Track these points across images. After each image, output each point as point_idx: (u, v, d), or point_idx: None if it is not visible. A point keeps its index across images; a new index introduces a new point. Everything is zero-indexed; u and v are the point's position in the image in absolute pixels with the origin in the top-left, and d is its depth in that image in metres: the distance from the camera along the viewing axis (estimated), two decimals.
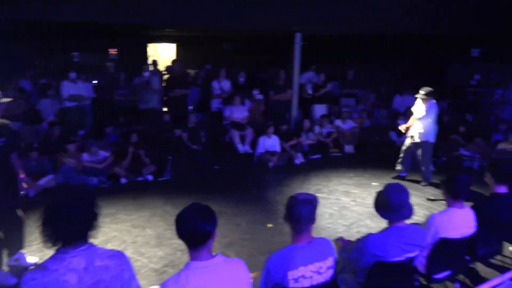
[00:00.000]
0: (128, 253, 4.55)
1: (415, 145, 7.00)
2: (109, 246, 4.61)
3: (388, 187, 2.84)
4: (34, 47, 11.21)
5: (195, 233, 2.13)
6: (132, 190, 6.68)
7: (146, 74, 8.88)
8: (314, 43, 11.62)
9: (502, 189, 3.56)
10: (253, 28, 9.03)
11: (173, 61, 9.81)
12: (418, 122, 6.83)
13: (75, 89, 8.43)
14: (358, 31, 10.21)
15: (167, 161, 7.40)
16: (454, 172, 3.36)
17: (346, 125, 9.45)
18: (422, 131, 6.80)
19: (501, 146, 8.08)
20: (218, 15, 8.44)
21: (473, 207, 3.39)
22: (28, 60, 10.99)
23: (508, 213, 3.49)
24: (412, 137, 6.96)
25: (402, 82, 11.85)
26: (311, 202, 2.46)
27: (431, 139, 6.83)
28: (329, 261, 2.49)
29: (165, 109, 9.73)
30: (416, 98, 6.83)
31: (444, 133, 9.24)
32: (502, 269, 4.15)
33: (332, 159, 8.80)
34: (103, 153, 7.09)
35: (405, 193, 2.80)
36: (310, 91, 10.20)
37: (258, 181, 7.39)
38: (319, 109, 9.75)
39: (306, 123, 9.04)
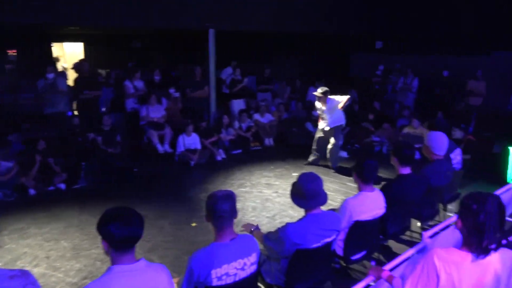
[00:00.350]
0: (41, 269, 4.22)
1: (325, 133, 7.51)
2: (19, 265, 4.23)
3: (301, 177, 2.94)
4: None
5: (130, 237, 2.04)
6: (43, 201, 6.20)
7: (51, 75, 8.24)
8: (231, 39, 11.71)
9: (406, 171, 3.86)
10: (165, 26, 8.80)
11: (81, 61, 9.24)
12: (323, 116, 7.42)
13: None
14: (271, 29, 10.44)
15: (81, 167, 6.98)
16: (363, 158, 3.55)
17: (264, 118, 9.63)
18: (328, 121, 7.37)
19: (406, 130, 8.76)
20: (126, 13, 8.13)
21: (381, 189, 3.63)
22: None
23: (411, 191, 3.79)
24: (322, 129, 7.50)
25: (314, 75, 12.36)
26: (231, 197, 2.47)
27: (338, 123, 7.38)
28: (253, 257, 2.51)
29: (75, 112, 9.17)
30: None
31: (355, 121, 9.83)
32: (411, 244, 4.51)
33: (253, 153, 8.92)
34: (6, 164, 6.48)
35: (318, 181, 2.91)
36: (226, 88, 10.24)
37: (180, 181, 7.27)
38: (237, 105, 9.82)
39: (225, 119, 9.05)
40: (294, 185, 2.96)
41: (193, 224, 5.32)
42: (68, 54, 15.50)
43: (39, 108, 8.57)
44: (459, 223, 2.02)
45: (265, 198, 6.20)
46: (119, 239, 2.06)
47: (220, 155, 8.40)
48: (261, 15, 9.73)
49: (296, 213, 5.55)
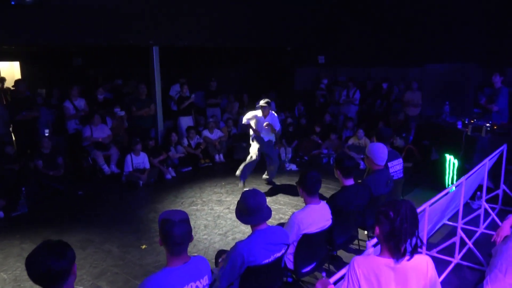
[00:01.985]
0: None
1: (263, 145, 7.41)
2: None
3: (243, 194, 3.01)
4: None
5: (49, 273, 1.97)
6: None
7: None
8: (176, 55, 11.69)
9: (349, 182, 4.05)
10: (106, 43, 8.66)
11: (17, 81, 8.85)
12: (263, 130, 7.28)
13: None
14: (212, 44, 10.61)
15: (21, 192, 6.65)
16: (305, 170, 3.69)
17: (213, 134, 9.67)
18: (267, 136, 7.33)
19: (351, 141, 9.14)
20: (65, 29, 7.94)
21: (327, 201, 3.78)
22: None
23: (355, 201, 3.98)
24: (261, 142, 7.34)
25: (261, 89, 12.60)
26: (187, 221, 2.45)
27: (272, 137, 7.44)
28: (205, 280, 2.50)
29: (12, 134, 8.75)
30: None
31: (303, 134, 10.11)
32: (360, 252, 4.70)
33: (204, 170, 8.93)
34: None
35: (260, 196, 2.99)
36: (174, 105, 10.19)
37: (128, 202, 7.12)
38: (185, 121, 9.79)
39: (174, 137, 9.00)
40: (238, 203, 3.03)
41: (143, 247, 5.22)
42: (3, 72, 14.76)
43: None
44: (377, 230, 2.15)
45: (217, 215, 6.21)
46: (34, 279, 2.02)
47: (170, 174, 8.32)
48: (199, 30, 9.86)
49: (247, 229, 5.60)
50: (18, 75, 14.10)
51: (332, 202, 3.82)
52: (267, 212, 3.00)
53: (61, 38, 8.12)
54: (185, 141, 9.21)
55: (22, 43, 8.98)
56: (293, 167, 8.87)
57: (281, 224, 3.82)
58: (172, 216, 2.44)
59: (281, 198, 6.91)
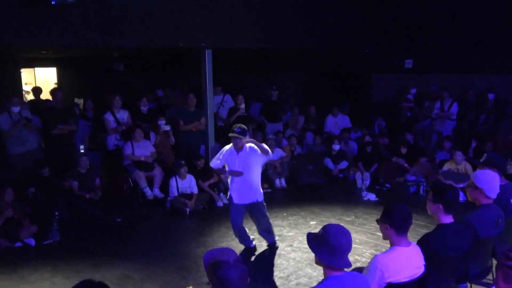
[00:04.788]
0: None
1: (246, 207, 6.21)
2: None
3: (330, 228, 2.92)
4: None
5: None
6: (8, 260, 6.20)
7: (16, 109, 8.41)
8: (230, 59, 11.96)
9: (448, 219, 3.86)
10: (151, 46, 9.08)
11: (53, 90, 9.47)
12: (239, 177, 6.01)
13: None
14: (273, 46, 10.75)
15: (53, 218, 7.02)
16: (391, 203, 3.57)
17: (274, 154, 9.65)
18: (251, 188, 6.04)
19: (446, 166, 8.78)
20: (106, 31, 8.41)
21: (418, 243, 3.63)
22: None
23: (454, 245, 3.77)
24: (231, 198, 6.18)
25: (329, 101, 12.47)
26: (241, 261, 2.46)
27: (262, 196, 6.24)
28: None
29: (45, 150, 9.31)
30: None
31: (384, 157, 9.88)
32: None
33: None
34: None
35: (349, 236, 2.92)
36: (223, 117, 10.36)
37: (173, 233, 7.28)
38: None
39: None
40: (319, 236, 2.95)
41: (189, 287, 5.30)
42: (39, 80, 15.90)
43: (2, 147, 8.70)
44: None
45: (277, 254, 6.18)
46: None
47: (221, 200, 8.43)
48: (258, 30, 10.03)
49: (315, 272, 5.52)
50: (48, 84, 15.12)
51: (424, 244, 3.65)
52: (348, 260, 2.92)
53: (102, 40, 8.62)
54: None
55: (61, 45, 9.64)
56: (371, 196, 8.67)
57: (359, 269, 3.72)
58: (223, 257, 2.46)
59: (356, 235, 6.75)
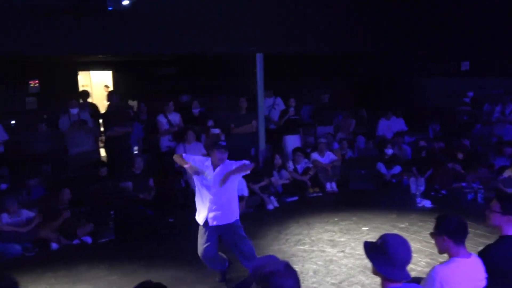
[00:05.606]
0: None
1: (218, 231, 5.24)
2: None
3: (389, 237, 2.86)
4: None
5: None
6: (65, 257, 6.45)
7: (74, 111, 8.74)
8: (280, 63, 11.97)
9: None
10: (204, 51, 9.26)
11: (110, 92, 9.79)
12: (208, 196, 5.14)
13: None
14: (325, 51, 10.69)
15: (109, 217, 7.25)
16: (442, 214, 3.46)
17: (325, 158, 9.62)
18: (220, 210, 5.14)
19: (507, 173, 8.44)
20: (161, 38, 8.62)
21: (479, 255, 3.49)
22: None
23: None
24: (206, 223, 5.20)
25: (380, 103, 12.25)
26: (292, 267, 2.44)
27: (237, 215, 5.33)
28: None
29: (102, 151, 9.62)
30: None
31: (440, 161, 9.60)
32: None
33: (312, 201, 8.89)
34: (27, 213, 6.87)
35: (409, 247, 2.86)
36: (275, 120, 10.38)
37: None
38: (291, 141, 9.91)
39: (278, 159, 9.13)
40: (378, 246, 2.89)
41: None
42: (95, 83, 16.43)
43: (61, 148, 9.07)
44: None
45: (329, 259, 6.11)
46: None
47: (272, 203, 8.44)
48: (312, 35, 10.00)
49: (368, 280, 5.42)
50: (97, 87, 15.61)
51: (487, 256, 3.51)
52: (407, 272, 2.86)
53: (156, 46, 8.85)
54: (291, 165, 9.30)
55: (117, 52, 9.97)
56: (426, 203, 8.42)
57: (415, 280, 3.61)
58: (272, 266, 2.43)
59: (411, 243, 6.44)
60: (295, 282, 2.38)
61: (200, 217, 5.26)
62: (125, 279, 5.54)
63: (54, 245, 6.77)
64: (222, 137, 9.47)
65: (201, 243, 5.21)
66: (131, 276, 5.65)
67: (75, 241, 6.93)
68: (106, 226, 7.17)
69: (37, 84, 12.59)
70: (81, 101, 9.91)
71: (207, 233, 5.16)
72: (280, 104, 10.63)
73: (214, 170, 5.13)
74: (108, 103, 10.02)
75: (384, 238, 2.89)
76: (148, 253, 6.55)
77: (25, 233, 6.68)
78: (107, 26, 8.11)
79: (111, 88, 14.65)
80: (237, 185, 5.55)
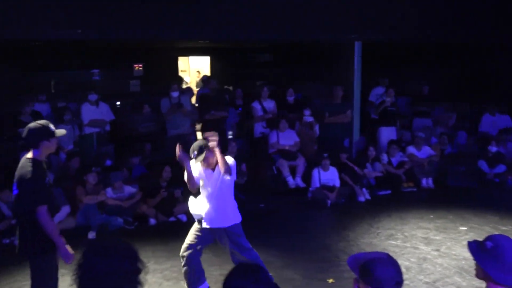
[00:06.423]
0: None
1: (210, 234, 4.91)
2: None
3: (501, 239, 2.68)
4: (51, 65, 11.87)
5: None
6: (162, 233, 6.82)
7: (175, 94, 9.10)
8: (377, 52, 11.63)
9: None
10: (301, 39, 9.23)
11: (208, 77, 10.08)
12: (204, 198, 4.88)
13: (97, 113, 8.78)
14: (426, 39, 10.22)
15: None
16: None
17: (422, 152, 9.29)
18: (215, 212, 4.79)
19: None
20: (260, 25, 8.71)
21: None
22: (44, 80, 11.62)
23: None
24: (200, 222, 4.89)
25: (486, 97, 11.50)
26: (397, 261, 2.39)
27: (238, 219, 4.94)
28: None
29: (198, 135, 9.94)
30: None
31: None
32: None
33: (406, 196, 8.66)
34: (129, 189, 7.31)
35: None
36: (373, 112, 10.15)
37: (314, 223, 7.37)
38: (387, 133, 9.63)
39: (371, 151, 8.95)
40: (489, 250, 2.70)
41: (330, 281, 5.30)
42: (193, 69, 17.01)
43: (162, 129, 9.51)
44: None
45: (423, 257, 5.91)
46: None
47: (364, 196, 8.32)
48: (413, 23, 9.61)
49: (464, 282, 5.18)
50: (206, 71, 16.05)
51: None
52: None
53: (252, 34, 8.97)
54: (385, 158, 9.08)
55: (214, 39, 10.23)
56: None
57: None
58: (375, 254, 2.39)
59: None
60: (397, 271, 2.34)
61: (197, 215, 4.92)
62: (218, 259, 5.72)
63: (152, 221, 7.16)
64: (316, 126, 9.50)
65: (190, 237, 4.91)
66: (223, 256, 5.81)
67: (171, 219, 7.29)
68: None
69: (141, 68, 13.28)
70: (182, 86, 10.30)
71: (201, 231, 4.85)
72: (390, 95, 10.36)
73: (213, 171, 4.78)
74: (198, 88, 10.32)
75: (497, 241, 2.68)
76: None
77: (127, 208, 7.12)
78: (207, 13, 8.33)
79: (202, 74, 15.09)
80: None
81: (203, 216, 4.81)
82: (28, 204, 3.88)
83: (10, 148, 7.91)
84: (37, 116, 7.86)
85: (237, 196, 7.91)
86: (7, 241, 6.42)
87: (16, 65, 10.99)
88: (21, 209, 3.97)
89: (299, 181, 8.75)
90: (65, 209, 6.96)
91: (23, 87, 10.20)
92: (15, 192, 3.92)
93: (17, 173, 3.93)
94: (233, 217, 4.90)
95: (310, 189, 8.27)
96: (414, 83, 11.23)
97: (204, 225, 4.81)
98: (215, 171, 4.76)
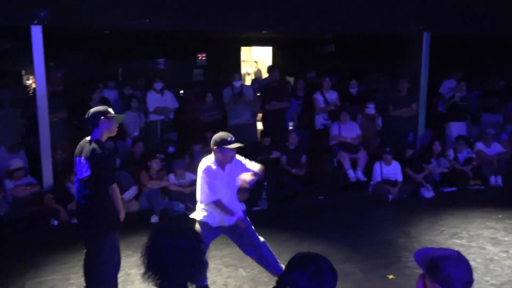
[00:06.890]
0: None
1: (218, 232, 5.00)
2: None
3: None
4: (118, 54, 12.29)
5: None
6: None
7: (238, 84, 9.17)
8: (446, 44, 11.22)
9: None
10: (368, 31, 9.05)
11: (271, 68, 10.07)
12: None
13: (161, 101, 9.01)
14: (501, 34, 9.74)
15: (263, 187, 7.55)
16: None
17: (491, 149, 8.95)
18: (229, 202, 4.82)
19: None
20: (326, 17, 8.60)
21: None
22: (112, 68, 12.05)
23: None
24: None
25: None
26: (467, 260, 2.31)
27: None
28: None
29: (259, 124, 9.97)
30: None
31: None
32: None
33: (473, 194, 8.39)
34: (191, 176, 7.46)
35: None
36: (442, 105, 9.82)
37: (374, 217, 7.28)
38: (456, 128, 9.30)
39: (437, 146, 8.68)
40: None
41: (390, 277, 5.21)
42: (256, 59, 17.07)
43: (223, 118, 9.62)
44: None
45: (490, 258, 5.68)
46: None
47: (428, 192, 8.09)
48: (489, 15, 9.17)
49: None
50: (263, 63, 16.09)
51: None
52: None
53: (315, 26, 8.88)
54: (451, 153, 8.80)
55: (279, 30, 10.22)
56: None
57: None
58: (445, 251, 2.32)
59: None
60: (467, 271, 2.26)
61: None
62: (278, 248, 5.73)
63: None
64: (379, 119, 9.30)
65: None
66: (283, 245, 5.85)
67: None
68: (260, 195, 7.49)
69: (204, 58, 13.49)
70: (245, 76, 10.36)
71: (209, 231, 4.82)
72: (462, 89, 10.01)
73: (223, 171, 4.66)
74: (253, 78, 10.32)
75: None
76: (297, 226, 6.76)
77: (188, 194, 7.26)
78: (270, 4, 8.33)
79: (260, 64, 15.13)
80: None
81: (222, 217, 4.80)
82: (104, 182, 4.09)
83: (81, 134, 8.27)
84: (105, 102, 8.14)
85: (296, 187, 8.01)
86: (76, 221, 6.74)
87: (88, 53, 11.46)
88: (94, 189, 4.13)
89: (360, 174, 8.62)
90: (133, 189, 7.30)
91: (93, 75, 10.60)
92: (87, 172, 4.09)
93: (88, 154, 4.09)
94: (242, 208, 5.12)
95: (371, 183, 8.15)
96: (489, 79, 10.77)
97: (224, 224, 4.83)
98: (226, 171, 4.69)
